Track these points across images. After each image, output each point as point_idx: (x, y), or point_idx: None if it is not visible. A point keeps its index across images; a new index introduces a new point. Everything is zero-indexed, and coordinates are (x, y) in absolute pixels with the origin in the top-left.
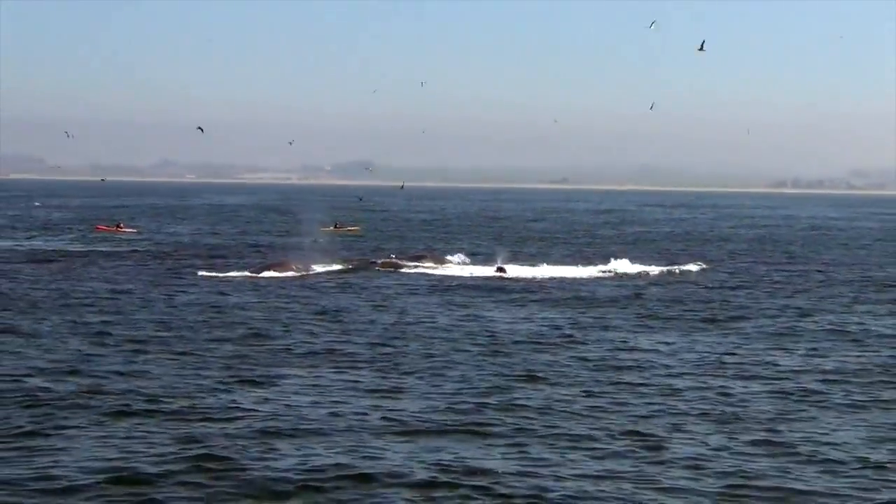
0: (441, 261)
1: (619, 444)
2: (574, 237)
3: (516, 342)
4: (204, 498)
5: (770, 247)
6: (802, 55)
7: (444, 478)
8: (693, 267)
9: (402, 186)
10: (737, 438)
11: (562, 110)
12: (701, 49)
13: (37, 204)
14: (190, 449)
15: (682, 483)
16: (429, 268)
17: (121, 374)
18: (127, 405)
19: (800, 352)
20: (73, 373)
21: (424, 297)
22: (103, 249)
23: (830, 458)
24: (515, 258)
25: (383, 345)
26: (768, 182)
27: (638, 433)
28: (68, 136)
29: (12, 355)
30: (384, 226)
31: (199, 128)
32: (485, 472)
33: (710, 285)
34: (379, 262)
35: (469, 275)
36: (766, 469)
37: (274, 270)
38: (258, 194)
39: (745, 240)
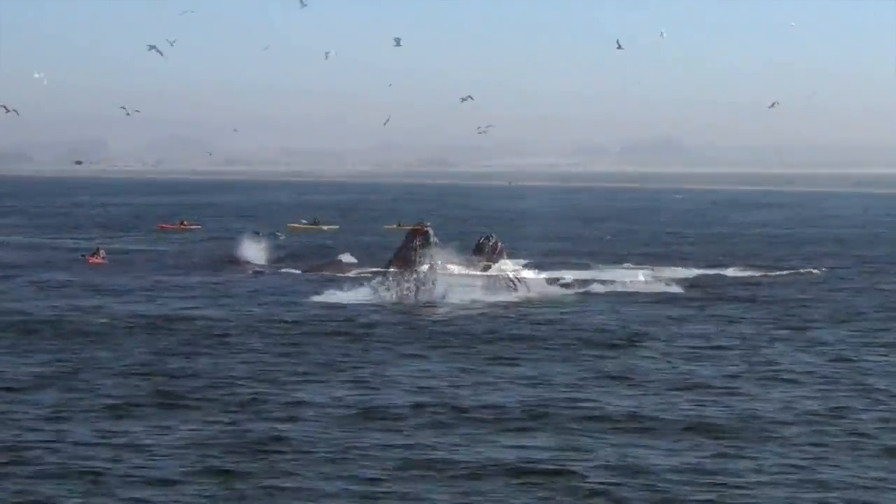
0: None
1: (699, 441)
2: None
3: (606, 342)
4: (290, 486)
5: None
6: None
7: (523, 471)
8: (808, 269)
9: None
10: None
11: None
12: (619, 48)
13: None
14: (267, 441)
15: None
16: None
17: (193, 369)
18: (201, 399)
19: None
20: (145, 370)
21: (480, 297)
22: (166, 249)
23: None
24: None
25: (445, 342)
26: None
27: (716, 431)
28: (235, 131)
29: (86, 357)
30: (452, 226)
31: (386, 121)
32: (560, 464)
33: (830, 288)
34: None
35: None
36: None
37: (330, 268)
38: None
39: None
